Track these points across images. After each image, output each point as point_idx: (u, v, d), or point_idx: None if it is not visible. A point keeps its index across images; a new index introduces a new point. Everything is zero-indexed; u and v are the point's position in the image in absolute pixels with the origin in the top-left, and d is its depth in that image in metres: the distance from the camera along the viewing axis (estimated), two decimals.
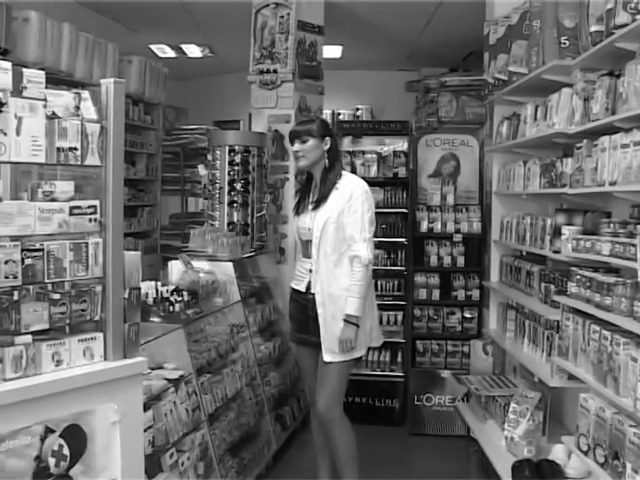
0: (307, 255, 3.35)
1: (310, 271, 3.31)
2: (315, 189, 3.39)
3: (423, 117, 6.16)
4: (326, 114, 6.74)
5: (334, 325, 3.23)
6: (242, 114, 7.66)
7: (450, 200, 5.02)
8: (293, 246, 4.40)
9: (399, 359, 5.22)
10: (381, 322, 5.21)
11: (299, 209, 3.45)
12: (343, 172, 3.38)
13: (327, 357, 3.24)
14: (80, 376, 2.05)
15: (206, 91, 8.71)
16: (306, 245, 3.36)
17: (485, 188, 4.96)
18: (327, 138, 3.34)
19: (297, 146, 3.32)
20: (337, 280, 3.24)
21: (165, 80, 6.89)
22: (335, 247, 3.26)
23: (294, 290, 3.43)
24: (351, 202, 3.24)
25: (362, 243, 3.22)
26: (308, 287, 3.32)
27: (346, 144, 5.48)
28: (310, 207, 3.36)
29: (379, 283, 5.23)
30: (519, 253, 4.23)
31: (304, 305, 3.35)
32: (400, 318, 5.24)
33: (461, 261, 4.95)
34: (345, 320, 3.19)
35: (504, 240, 4.37)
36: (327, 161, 3.34)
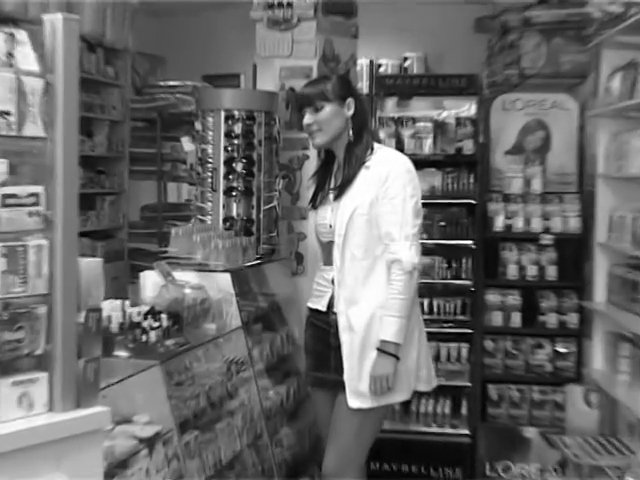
0: (329, 262, 3.36)
1: (333, 282, 3.31)
2: (338, 172, 3.40)
3: (499, 69, 6.11)
4: (362, 65, 6.72)
5: (364, 357, 3.22)
6: (243, 66, 7.64)
7: (537, 186, 5.00)
8: (314, 251, 4.38)
9: (464, 411, 5.21)
10: (437, 358, 5.18)
11: (317, 200, 3.47)
12: (375, 145, 3.38)
13: (353, 402, 3.23)
14: (13, 435, 2.04)
15: (192, 33, 8.71)
16: (328, 248, 3.38)
17: (587, 169, 4.92)
18: (349, 100, 3.35)
19: (309, 117, 3.35)
20: (370, 294, 3.25)
21: (134, 17, 6.91)
22: (367, 249, 3.27)
23: (311, 310, 3.46)
24: (387, 185, 3.24)
25: (404, 242, 3.21)
26: (330, 305, 3.34)
27: (389, 108, 5.47)
28: (331, 196, 3.37)
29: (435, 303, 5.22)
30: (636, 261, 4.19)
31: (324, 330, 3.37)
32: (465, 353, 5.23)
33: (552, 273, 4.95)
34: (380, 349, 3.17)
35: (614, 243, 4.34)
36: (351, 132, 3.34)
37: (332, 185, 3.42)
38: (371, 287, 3.25)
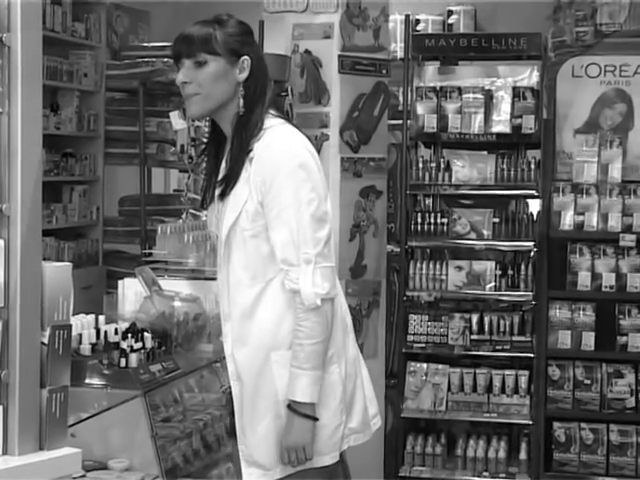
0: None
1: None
2: (228, 155, 3.13)
3: (568, 26, 6.10)
4: (395, 21, 6.71)
5: (256, 414, 3.06)
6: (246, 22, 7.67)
7: (615, 174, 4.99)
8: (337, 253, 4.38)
9: (523, 455, 5.20)
10: (489, 389, 5.18)
11: (206, 196, 3.23)
12: (267, 122, 3.10)
13: (247, 477, 3.06)
14: None
15: None
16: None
17: None
18: (244, 58, 3.03)
19: (185, 73, 3.04)
20: (260, 331, 3.05)
21: None
22: (256, 272, 3.06)
23: None
24: (271, 191, 2.97)
25: (304, 267, 2.94)
26: None
27: (430, 76, 5.46)
28: (216, 193, 3.12)
29: (486, 320, 5.22)
30: None
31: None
32: (525, 382, 5.23)
33: (635, 282, 4.93)
34: (291, 410, 2.95)
35: None
36: (242, 102, 3.07)
37: (219, 176, 3.12)
38: (262, 322, 3.03)
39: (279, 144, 3.02)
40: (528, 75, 5.36)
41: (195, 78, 2.99)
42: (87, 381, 3.25)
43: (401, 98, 5.68)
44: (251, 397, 3.05)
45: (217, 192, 3.05)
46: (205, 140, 3.33)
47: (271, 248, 2.99)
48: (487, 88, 5.37)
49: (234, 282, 3.07)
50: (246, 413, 3.06)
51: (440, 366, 5.36)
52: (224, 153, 3.09)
